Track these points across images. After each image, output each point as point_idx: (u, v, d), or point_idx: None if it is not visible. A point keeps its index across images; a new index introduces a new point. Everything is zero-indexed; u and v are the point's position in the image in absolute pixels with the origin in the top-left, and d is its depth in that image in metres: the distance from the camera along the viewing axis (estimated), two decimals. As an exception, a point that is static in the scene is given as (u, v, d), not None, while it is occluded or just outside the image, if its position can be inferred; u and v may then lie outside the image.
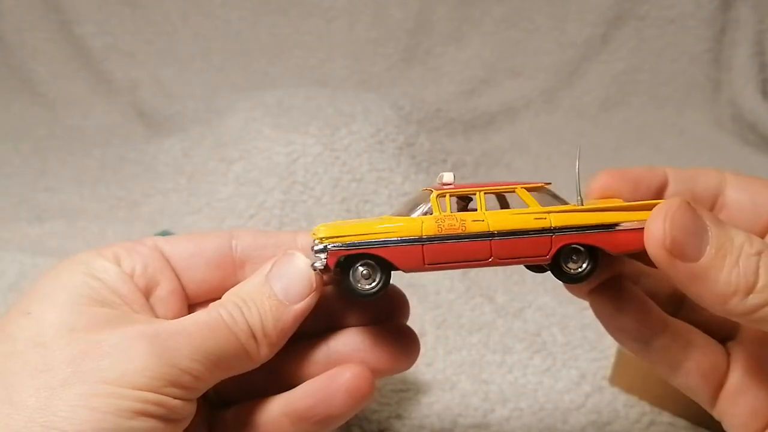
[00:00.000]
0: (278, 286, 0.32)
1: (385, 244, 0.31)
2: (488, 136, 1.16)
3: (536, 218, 0.32)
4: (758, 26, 1.24)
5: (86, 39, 1.23)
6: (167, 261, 0.33)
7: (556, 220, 0.31)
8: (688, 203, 0.28)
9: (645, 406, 0.54)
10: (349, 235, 0.31)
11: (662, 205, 0.28)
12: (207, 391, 0.31)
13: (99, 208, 0.87)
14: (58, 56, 1.24)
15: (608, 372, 0.57)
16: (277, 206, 0.79)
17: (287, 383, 0.34)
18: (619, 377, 0.55)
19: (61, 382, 0.26)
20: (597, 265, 0.32)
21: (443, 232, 0.31)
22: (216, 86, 1.20)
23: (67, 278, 0.31)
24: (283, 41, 1.28)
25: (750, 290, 0.27)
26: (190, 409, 0.29)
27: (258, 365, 0.32)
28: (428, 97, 1.18)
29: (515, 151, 1.10)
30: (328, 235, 0.31)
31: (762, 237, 0.29)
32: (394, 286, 0.35)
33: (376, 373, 0.34)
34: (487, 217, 0.32)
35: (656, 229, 0.27)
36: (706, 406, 0.34)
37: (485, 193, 0.33)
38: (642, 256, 0.30)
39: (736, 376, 0.33)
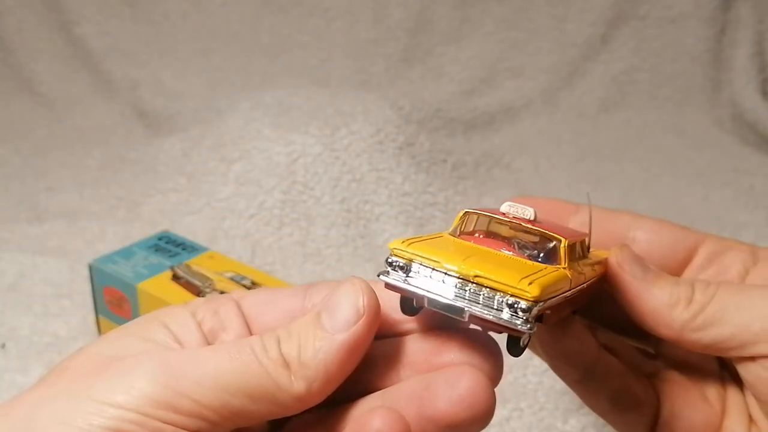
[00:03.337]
0: (325, 315, 0.28)
1: (556, 297, 0.27)
2: (488, 136, 1.16)
3: (594, 267, 0.31)
4: (758, 26, 1.24)
5: (86, 39, 1.23)
6: (239, 308, 0.31)
7: (589, 274, 0.31)
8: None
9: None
10: (553, 289, 0.26)
11: (615, 245, 0.33)
12: None
13: (99, 208, 0.87)
14: (58, 56, 1.24)
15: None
16: (277, 206, 0.79)
17: None
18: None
19: (53, 395, 0.26)
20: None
21: (575, 283, 0.28)
22: (216, 86, 1.20)
23: (143, 321, 0.30)
24: (283, 41, 1.28)
25: (689, 300, 0.31)
26: None
27: (300, 404, 0.27)
28: (428, 97, 1.18)
29: (515, 151, 1.10)
30: (543, 291, 0.25)
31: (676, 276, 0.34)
32: None
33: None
34: (581, 265, 0.29)
35: (612, 256, 0.32)
36: None
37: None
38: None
39: (666, 409, 0.34)
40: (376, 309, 0.27)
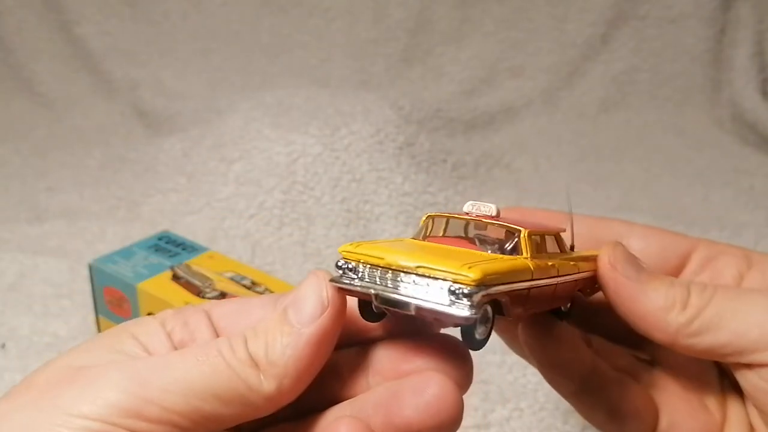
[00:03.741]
0: (291, 311, 0.27)
1: (511, 284, 0.26)
2: (488, 136, 1.16)
3: (572, 263, 0.31)
4: (758, 26, 1.24)
5: (86, 39, 1.23)
6: (209, 319, 0.31)
7: (582, 266, 0.31)
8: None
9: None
10: (503, 275, 0.25)
11: (606, 243, 0.32)
12: None
13: (99, 208, 0.87)
14: (58, 56, 1.24)
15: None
16: (277, 206, 0.79)
17: None
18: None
19: (19, 407, 0.26)
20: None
21: (540, 274, 0.27)
22: (216, 86, 1.20)
23: (112, 332, 0.29)
24: (283, 41, 1.28)
25: (685, 303, 0.30)
26: None
27: (272, 404, 0.27)
28: (428, 97, 1.18)
29: (515, 151, 1.10)
30: (486, 275, 0.24)
31: None
32: None
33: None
34: (553, 259, 0.29)
35: (603, 255, 0.31)
36: None
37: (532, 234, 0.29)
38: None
39: (665, 419, 0.34)
40: (341, 300, 0.27)
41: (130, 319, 0.59)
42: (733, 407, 0.34)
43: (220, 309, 0.31)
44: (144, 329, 0.29)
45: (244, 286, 0.57)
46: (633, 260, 0.31)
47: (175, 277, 0.58)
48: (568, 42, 1.27)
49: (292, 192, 0.80)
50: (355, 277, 0.27)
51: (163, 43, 1.26)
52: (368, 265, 0.26)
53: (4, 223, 0.82)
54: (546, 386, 0.58)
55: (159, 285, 0.57)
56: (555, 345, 0.32)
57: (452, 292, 0.24)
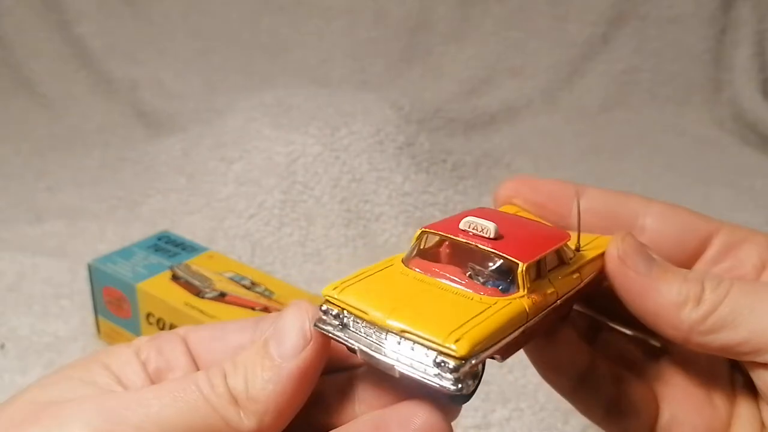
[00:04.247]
0: (272, 344, 0.26)
1: (503, 339, 0.24)
2: (488, 136, 1.16)
3: (575, 276, 0.29)
4: (759, 26, 1.24)
5: (86, 38, 1.23)
6: (186, 345, 0.29)
7: (587, 271, 0.29)
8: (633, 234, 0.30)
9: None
10: (494, 335, 0.24)
11: (615, 234, 0.30)
12: None
13: (99, 208, 0.87)
14: (57, 56, 1.24)
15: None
16: (277, 206, 0.79)
17: None
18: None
19: None
20: None
21: (536, 311, 0.26)
22: (216, 86, 1.20)
23: (82, 362, 0.28)
24: (283, 41, 1.28)
25: (699, 299, 0.28)
26: None
27: None
28: (428, 97, 1.18)
29: (515, 151, 1.10)
30: (474, 346, 0.23)
31: (686, 268, 0.31)
32: None
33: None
34: (553, 279, 0.27)
35: (612, 247, 0.29)
36: None
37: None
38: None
39: (666, 413, 0.32)
40: (320, 337, 0.25)
41: (130, 319, 0.59)
42: (744, 403, 0.32)
43: (196, 334, 0.30)
44: (116, 359, 0.27)
45: (244, 286, 0.57)
46: (644, 252, 0.29)
47: (175, 278, 0.57)
48: (569, 42, 1.27)
49: (292, 192, 0.80)
50: (338, 323, 0.25)
51: (163, 43, 1.26)
52: (352, 316, 0.25)
53: (3, 223, 0.82)
54: (546, 386, 0.58)
55: (158, 285, 0.56)
56: (552, 347, 0.31)
57: (437, 364, 0.23)
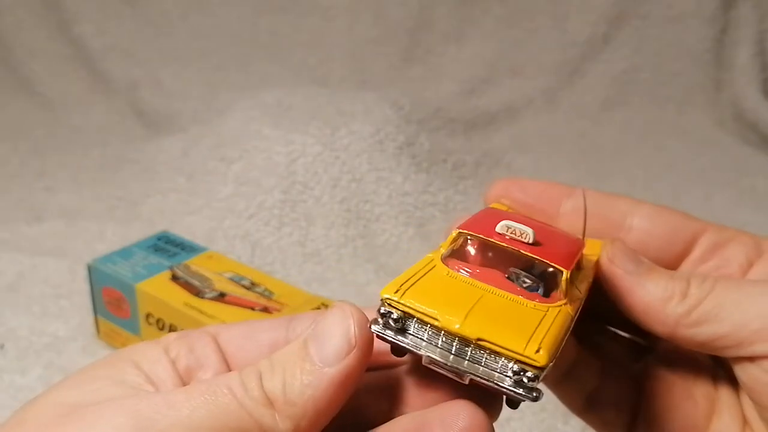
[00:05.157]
0: (313, 346, 0.25)
1: (562, 346, 0.24)
2: (489, 135, 1.16)
3: (588, 281, 0.29)
4: (760, 26, 1.24)
5: (85, 38, 1.23)
6: (216, 343, 0.29)
7: (585, 288, 0.30)
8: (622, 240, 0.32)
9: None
10: (560, 343, 0.24)
11: (606, 241, 0.32)
12: None
13: (98, 208, 0.87)
14: (56, 56, 1.24)
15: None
16: (277, 206, 0.79)
17: None
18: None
19: None
20: None
21: (575, 317, 0.26)
22: (216, 86, 1.20)
23: (111, 360, 0.27)
24: (283, 41, 1.28)
25: (684, 294, 0.29)
26: None
27: None
28: (428, 96, 1.18)
29: (516, 151, 1.10)
30: (551, 356, 0.23)
31: (672, 269, 0.32)
32: None
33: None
34: (579, 285, 0.28)
35: (604, 252, 0.31)
36: None
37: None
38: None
39: (647, 407, 0.33)
40: (369, 339, 0.25)
41: (129, 319, 0.59)
42: (725, 398, 0.33)
43: (226, 332, 0.29)
44: (146, 357, 0.27)
45: (244, 286, 0.57)
46: (632, 254, 0.31)
47: (174, 278, 0.57)
48: (569, 41, 1.26)
49: (291, 192, 0.80)
50: (396, 327, 0.24)
51: (163, 43, 1.26)
52: (417, 321, 0.24)
53: (2, 223, 0.82)
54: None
55: (158, 285, 0.56)
56: None
57: (516, 373, 0.23)
